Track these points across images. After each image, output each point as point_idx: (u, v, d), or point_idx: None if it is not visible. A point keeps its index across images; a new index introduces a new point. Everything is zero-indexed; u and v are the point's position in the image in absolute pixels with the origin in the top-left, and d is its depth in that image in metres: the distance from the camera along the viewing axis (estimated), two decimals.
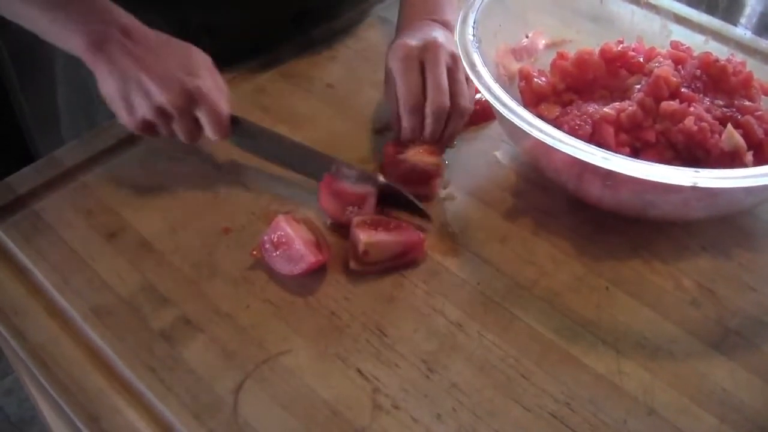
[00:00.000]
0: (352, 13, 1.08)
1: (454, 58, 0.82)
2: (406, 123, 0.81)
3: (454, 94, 0.81)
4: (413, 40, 0.82)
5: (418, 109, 0.80)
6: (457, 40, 0.77)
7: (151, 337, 0.70)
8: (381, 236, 0.74)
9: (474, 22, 0.79)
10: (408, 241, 0.75)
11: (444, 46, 0.82)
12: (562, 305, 0.73)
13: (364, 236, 0.73)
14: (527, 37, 0.90)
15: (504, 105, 0.70)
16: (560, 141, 0.67)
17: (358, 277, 0.75)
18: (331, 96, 0.95)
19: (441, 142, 0.83)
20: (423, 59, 0.81)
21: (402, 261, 0.75)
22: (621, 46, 0.85)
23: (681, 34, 0.93)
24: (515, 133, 0.76)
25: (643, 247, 0.79)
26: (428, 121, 0.80)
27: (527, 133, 0.69)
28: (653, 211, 0.75)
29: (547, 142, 0.67)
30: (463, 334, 0.70)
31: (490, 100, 0.71)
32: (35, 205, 0.81)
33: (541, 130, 0.68)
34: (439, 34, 0.83)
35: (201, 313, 0.72)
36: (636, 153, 0.77)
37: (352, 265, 0.74)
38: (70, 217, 0.80)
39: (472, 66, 0.74)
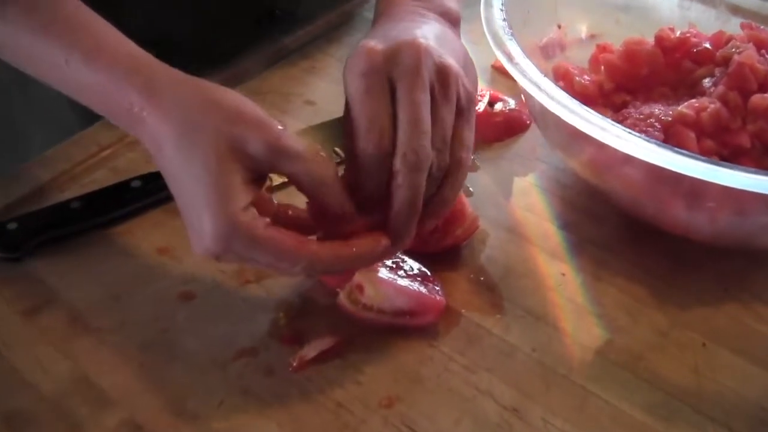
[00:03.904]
0: (331, 15, 0.92)
1: (451, 75, 0.52)
2: (363, 179, 0.52)
3: (454, 142, 0.53)
4: (382, 43, 0.53)
5: (381, 159, 0.51)
6: (485, 27, 0.59)
7: None
8: (388, 276, 0.57)
9: (501, 4, 0.60)
10: (421, 299, 0.57)
11: (431, 51, 0.52)
12: (648, 372, 0.56)
13: (365, 269, 0.57)
14: (559, 27, 0.72)
15: (564, 106, 0.52)
16: (652, 151, 0.48)
17: (369, 351, 0.56)
18: (313, 115, 0.78)
19: (422, 219, 0.53)
20: (393, 75, 0.52)
21: (411, 322, 0.57)
22: (679, 32, 0.68)
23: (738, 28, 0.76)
24: (572, 144, 0.58)
25: (737, 286, 0.62)
26: (398, 180, 0.51)
27: (590, 144, 0.51)
28: (760, 240, 0.56)
29: (634, 154, 0.49)
30: (522, 423, 0.52)
31: (541, 101, 0.53)
32: None
33: (619, 137, 0.49)
34: (429, 32, 0.55)
35: (157, 415, 0.53)
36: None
37: (340, 298, 0.57)
38: None
39: (510, 58, 0.56)
